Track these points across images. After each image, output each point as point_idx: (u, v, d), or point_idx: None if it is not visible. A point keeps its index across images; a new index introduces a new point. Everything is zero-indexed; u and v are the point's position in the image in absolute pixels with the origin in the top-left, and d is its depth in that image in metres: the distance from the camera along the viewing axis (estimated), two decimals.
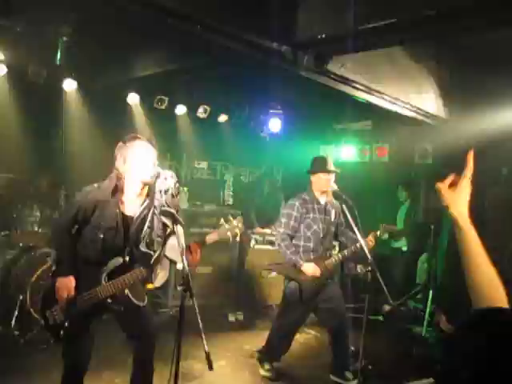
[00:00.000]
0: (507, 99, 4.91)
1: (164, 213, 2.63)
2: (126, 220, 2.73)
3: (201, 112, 6.73)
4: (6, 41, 4.81)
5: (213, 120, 6.98)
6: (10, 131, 5.51)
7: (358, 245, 3.79)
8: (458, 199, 1.34)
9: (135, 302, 2.78)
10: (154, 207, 2.72)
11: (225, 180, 7.70)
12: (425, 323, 5.45)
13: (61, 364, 3.94)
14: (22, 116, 5.49)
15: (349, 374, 4.06)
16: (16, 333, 4.57)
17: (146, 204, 2.76)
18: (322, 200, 4.07)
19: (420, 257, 6.60)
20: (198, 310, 2.57)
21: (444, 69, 5.28)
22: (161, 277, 2.82)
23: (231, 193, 7.70)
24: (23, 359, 4.10)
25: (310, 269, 3.87)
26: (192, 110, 6.71)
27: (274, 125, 7.04)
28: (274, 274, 5.04)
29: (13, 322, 4.66)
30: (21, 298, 4.73)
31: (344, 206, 3.85)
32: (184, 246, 2.54)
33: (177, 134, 6.96)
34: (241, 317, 5.71)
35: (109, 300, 2.73)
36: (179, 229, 2.56)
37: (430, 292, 5.63)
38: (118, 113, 6.22)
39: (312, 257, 3.98)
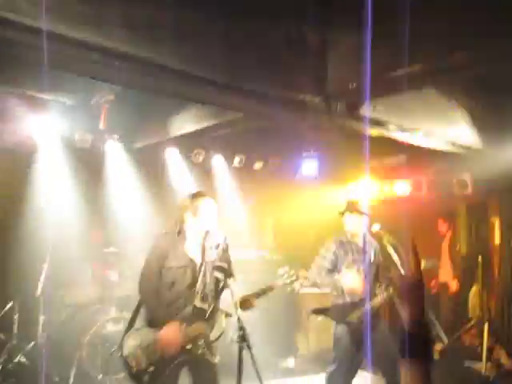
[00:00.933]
0: None
1: (216, 268, 2.73)
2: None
3: (237, 161, 6.94)
4: (57, 113, 5.21)
5: (249, 168, 7.16)
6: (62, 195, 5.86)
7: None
8: None
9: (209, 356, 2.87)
10: (206, 263, 2.83)
11: (264, 225, 7.78)
12: (484, 359, 5.22)
13: None
14: (72, 180, 5.84)
15: None
16: None
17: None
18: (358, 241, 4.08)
19: (470, 290, 6.41)
20: (256, 361, 2.63)
21: (474, 99, 5.32)
22: (216, 330, 2.90)
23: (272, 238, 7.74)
24: None
25: None
26: (228, 160, 6.94)
27: (309, 168, 7.14)
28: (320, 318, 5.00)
29: (71, 380, 4.80)
30: (77, 356, 4.88)
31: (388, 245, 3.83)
32: (237, 298, 2.64)
33: (214, 184, 7.16)
34: (292, 363, 5.65)
35: (188, 346, 2.78)
36: (232, 282, 2.67)
37: (486, 325, 5.42)
38: (158, 169, 6.50)
39: None
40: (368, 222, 4.04)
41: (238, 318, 2.61)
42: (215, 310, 2.83)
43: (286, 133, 6.17)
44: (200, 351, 2.78)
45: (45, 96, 4.74)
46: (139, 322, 2.94)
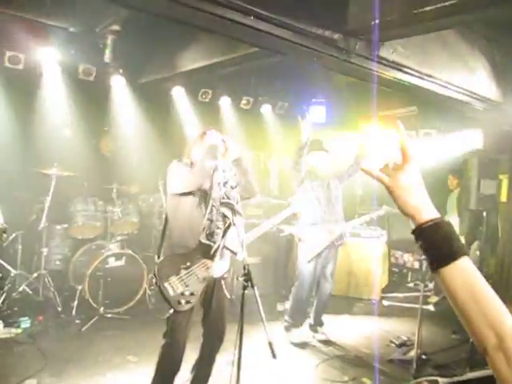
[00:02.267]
0: None
1: (224, 204, 2.67)
2: None
3: (244, 103, 6.76)
4: (59, 41, 4.98)
5: (256, 111, 7.00)
6: (64, 129, 5.73)
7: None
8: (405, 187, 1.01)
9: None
10: (213, 199, 2.76)
11: (269, 170, 7.72)
12: None
13: (120, 351, 4.17)
14: (73, 114, 5.68)
15: None
16: (77, 321, 4.80)
17: None
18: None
19: (472, 245, 6.42)
20: (259, 300, 2.61)
21: (496, 48, 5.06)
22: (222, 267, 2.88)
23: (276, 183, 7.71)
24: (86, 346, 4.29)
25: None
26: (235, 102, 6.76)
27: (318, 114, 6.97)
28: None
29: (73, 311, 4.90)
30: (79, 288, 4.96)
31: None
32: (244, 237, 2.58)
33: (221, 126, 7.02)
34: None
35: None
36: (239, 220, 2.60)
37: None
38: (164, 106, 6.34)
39: None
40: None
41: (244, 257, 2.56)
42: (221, 247, 2.79)
43: (297, 74, 5.94)
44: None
45: (46, 21, 4.48)
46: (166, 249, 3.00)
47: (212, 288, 2.95)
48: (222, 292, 2.99)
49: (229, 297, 3.06)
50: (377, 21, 3.20)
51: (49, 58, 5.19)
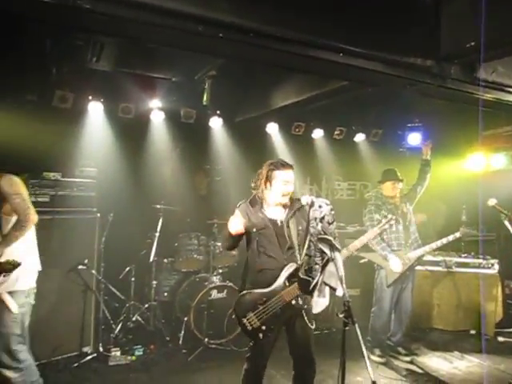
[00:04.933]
0: None
1: (321, 240, 2.69)
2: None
3: (337, 134, 6.78)
4: (163, 90, 5.47)
5: (349, 140, 6.98)
6: (170, 168, 6.21)
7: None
8: None
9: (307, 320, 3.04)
10: (311, 235, 2.80)
11: (365, 199, 7.56)
12: None
13: (230, 377, 4.28)
14: (177, 154, 6.14)
15: None
16: (184, 351, 5.04)
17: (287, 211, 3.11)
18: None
19: None
20: (361, 338, 2.57)
21: None
22: (321, 303, 2.88)
23: None
24: (192, 376, 4.48)
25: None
26: (328, 133, 6.80)
27: (414, 139, 6.77)
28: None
29: (180, 340, 5.16)
30: (185, 319, 5.22)
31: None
32: (343, 272, 2.58)
33: (315, 157, 7.10)
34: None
35: (293, 301, 3.00)
36: (337, 255, 2.61)
37: None
38: (259, 142, 6.58)
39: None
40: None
41: (343, 293, 2.56)
42: (319, 283, 2.80)
43: (390, 102, 5.84)
44: (301, 307, 3.01)
45: (153, 74, 4.98)
46: (247, 284, 3.16)
47: (294, 319, 3.06)
48: (304, 321, 3.06)
49: (312, 326, 3.10)
50: (472, 43, 3.10)
51: (154, 106, 5.70)
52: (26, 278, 3.32)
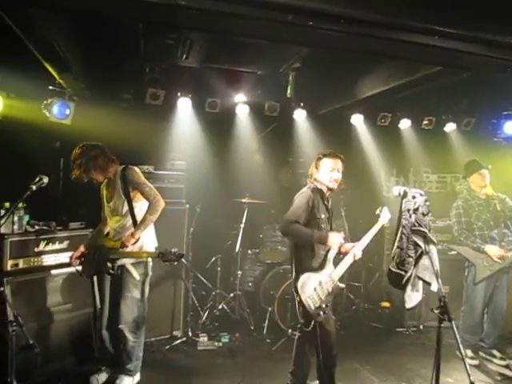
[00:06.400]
0: None
1: (415, 232, 2.59)
2: None
3: (425, 123, 6.45)
4: (249, 84, 5.55)
5: (439, 130, 6.60)
6: (254, 160, 6.33)
7: None
8: None
9: None
10: (403, 227, 2.70)
11: (456, 192, 7.13)
12: None
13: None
14: (262, 147, 6.23)
15: None
16: (268, 340, 5.12)
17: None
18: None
19: None
20: (458, 336, 2.44)
21: None
22: (414, 298, 2.77)
23: None
24: (276, 365, 4.52)
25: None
26: (416, 123, 6.50)
27: (511, 128, 6.28)
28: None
29: (264, 330, 5.25)
30: (270, 309, 5.29)
31: None
32: (438, 266, 2.46)
33: (402, 148, 6.83)
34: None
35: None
36: (432, 248, 2.49)
37: None
38: (344, 134, 6.47)
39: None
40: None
41: (439, 288, 2.44)
42: (413, 277, 2.70)
43: (485, 87, 5.43)
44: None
45: (239, 68, 5.08)
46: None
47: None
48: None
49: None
50: None
51: (239, 100, 5.81)
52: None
